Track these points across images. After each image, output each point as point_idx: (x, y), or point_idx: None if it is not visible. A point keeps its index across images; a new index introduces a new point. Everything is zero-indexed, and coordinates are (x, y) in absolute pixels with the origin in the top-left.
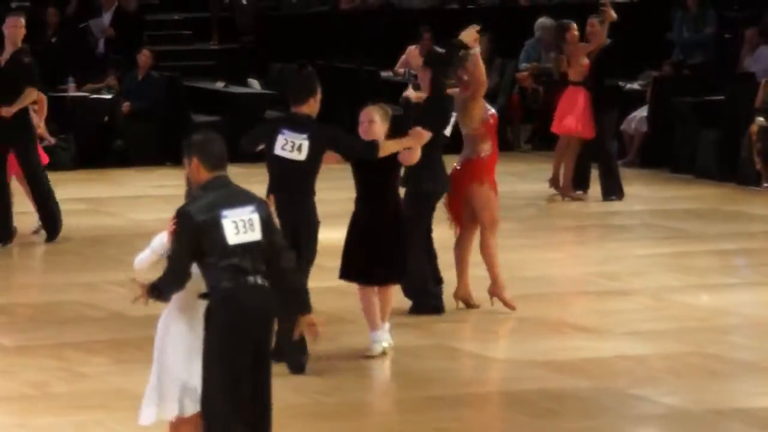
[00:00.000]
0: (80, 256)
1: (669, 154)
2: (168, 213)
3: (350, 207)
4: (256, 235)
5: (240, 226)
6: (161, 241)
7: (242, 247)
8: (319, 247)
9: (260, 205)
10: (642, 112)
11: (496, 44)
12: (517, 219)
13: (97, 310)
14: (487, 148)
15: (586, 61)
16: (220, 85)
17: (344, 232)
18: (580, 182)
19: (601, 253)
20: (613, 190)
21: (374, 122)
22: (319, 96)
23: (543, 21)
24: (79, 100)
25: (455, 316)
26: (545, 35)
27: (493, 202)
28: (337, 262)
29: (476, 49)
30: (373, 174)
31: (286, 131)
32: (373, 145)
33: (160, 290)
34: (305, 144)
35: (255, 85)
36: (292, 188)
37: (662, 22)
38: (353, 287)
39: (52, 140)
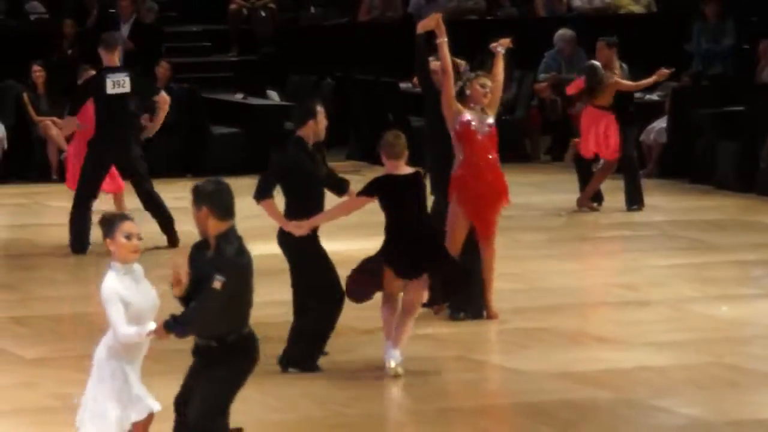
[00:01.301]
0: (101, 269)
1: (688, 165)
2: (187, 225)
3: (365, 218)
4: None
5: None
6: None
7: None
8: (336, 258)
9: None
10: (661, 123)
11: (515, 56)
12: (536, 230)
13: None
14: (458, 160)
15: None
16: (238, 96)
17: (362, 244)
18: (594, 195)
19: (621, 263)
20: (635, 200)
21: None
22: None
23: (563, 32)
24: None
25: (475, 327)
26: (565, 47)
27: (453, 224)
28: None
29: (442, 39)
30: None
31: None
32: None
33: (184, 328)
34: None
35: (274, 97)
36: None
37: (681, 33)
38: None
39: None
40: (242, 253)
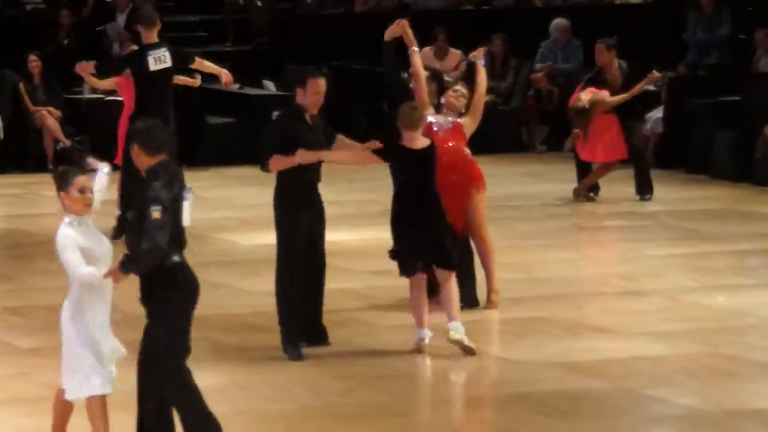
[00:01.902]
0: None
1: (684, 155)
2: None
3: (365, 209)
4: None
5: (189, 210)
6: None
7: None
8: (335, 248)
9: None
10: (657, 113)
11: (511, 45)
12: (533, 220)
13: (115, 312)
14: None
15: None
16: (234, 86)
17: (360, 234)
18: (590, 187)
19: (617, 253)
20: (646, 190)
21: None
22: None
23: (558, 22)
24: (94, 102)
25: (471, 317)
26: (560, 36)
27: None
28: (351, 264)
29: (412, 49)
30: None
31: None
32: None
33: (138, 264)
34: None
35: (270, 87)
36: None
37: (677, 23)
38: (367, 289)
39: (67, 142)
40: (169, 184)
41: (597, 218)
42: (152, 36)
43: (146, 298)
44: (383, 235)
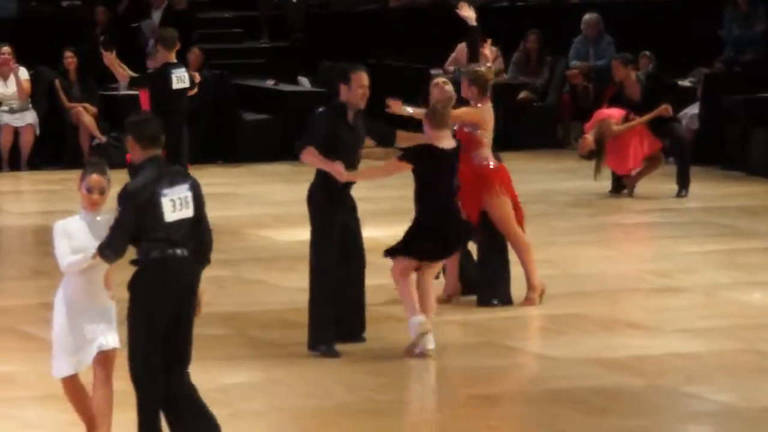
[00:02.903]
0: (130, 255)
1: (720, 152)
2: (219, 212)
3: (397, 205)
4: (189, 212)
5: (177, 204)
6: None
7: (176, 223)
8: (370, 244)
9: (194, 184)
10: (693, 109)
11: (546, 42)
12: (567, 216)
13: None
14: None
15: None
16: (269, 83)
17: (392, 230)
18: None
19: (653, 250)
20: (682, 186)
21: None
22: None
23: (588, 17)
24: (130, 98)
25: (506, 313)
26: (588, 30)
27: None
28: (385, 260)
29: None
30: None
31: None
32: None
33: (109, 253)
34: None
35: (305, 83)
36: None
37: (713, 20)
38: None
39: (103, 138)
40: (144, 182)
41: (632, 214)
42: (172, 56)
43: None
44: None
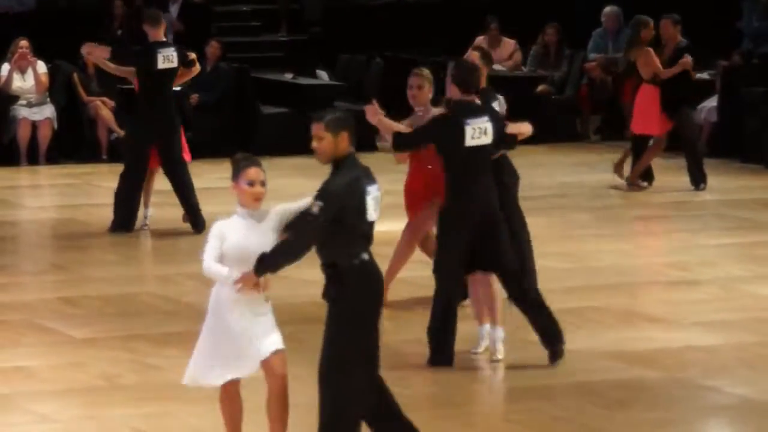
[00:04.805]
0: (152, 249)
1: (739, 144)
2: (236, 206)
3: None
4: (377, 214)
5: (375, 204)
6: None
7: (372, 224)
8: (388, 237)
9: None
10: (712, 101)
11: (565, 34)
12: (587, 209)
13: (169, 303)
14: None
15: (665, 73)
16: (288, 76)
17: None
18: (644, 174)
19: (671, 243)
20: (699, 179)
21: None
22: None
23: (608, 10)
24: None
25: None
26: (609, 23)
27: None
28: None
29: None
30: None
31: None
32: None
33: (275, 264)
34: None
35: (323, 77)
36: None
37: (732, 12)
38: (420, 278)
39: (121, 132)
40: (354, 181)
41: (650, 208)
42: (159, 34)
43: (328, 298)
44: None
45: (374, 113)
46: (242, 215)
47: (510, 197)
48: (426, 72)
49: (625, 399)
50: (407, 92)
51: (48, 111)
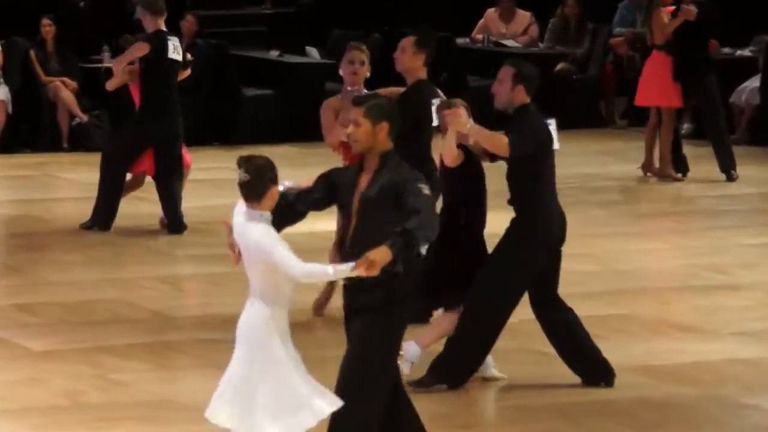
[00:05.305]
0: (116, 248)
1: None
2: (217, 199)
3: None
4: None
5: None
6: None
7: None
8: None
9: None
10: (754, 82)
11: (587, 6)
12: (610, 204)
13: (135, 310)
14: None
15: (669, 26)
16: (274, 54)
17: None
18: (677, 164)
19: (706, 242)
20: (728, 164)
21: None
22: None
23: None
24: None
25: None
26: None
27: None
28: None
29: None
30: None
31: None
32: None
33: (428, 239)
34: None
35: (313, 54)
36: None
37: None
38: None
39: (84, 117)
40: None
41: (682, 202)
42: (161, 24)
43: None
44: None
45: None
46: (268, 219)
47: None
48: (365, 48)
49: (655, 420)
50: (344, 68)
51: (1, 93)
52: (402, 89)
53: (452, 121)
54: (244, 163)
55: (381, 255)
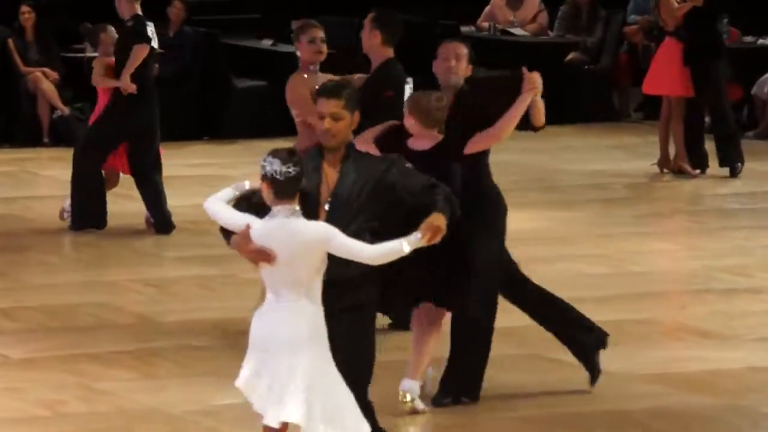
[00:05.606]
0: (100, 250)
1: None
2: (205, 197)
3: None
4: None
5: None
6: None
7: None
8: None
9: None
10: None
11: None
12: (626, 202)
13: (120, 315)
14: None
15: (678, 10)
16: (266, 43)
17: None
18: (697, 160)
19: (726, 243)
20: (733, 157)
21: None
22: None
23: None
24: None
25: None
26: None
27: None
28: None
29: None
30: None
31: None
32: None
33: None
34: None
35: None
36: None
37: None
38: None
39: (66, 110)
40: None
41: (700, 200)
42: (137, 8)
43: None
44: None
45: None
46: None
47: None
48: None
49: (673, 431)
50: (306, 47)
51: None
52: (362, 76)
53: (537, 85)
54: (289, 157)
55: (441, 220)
